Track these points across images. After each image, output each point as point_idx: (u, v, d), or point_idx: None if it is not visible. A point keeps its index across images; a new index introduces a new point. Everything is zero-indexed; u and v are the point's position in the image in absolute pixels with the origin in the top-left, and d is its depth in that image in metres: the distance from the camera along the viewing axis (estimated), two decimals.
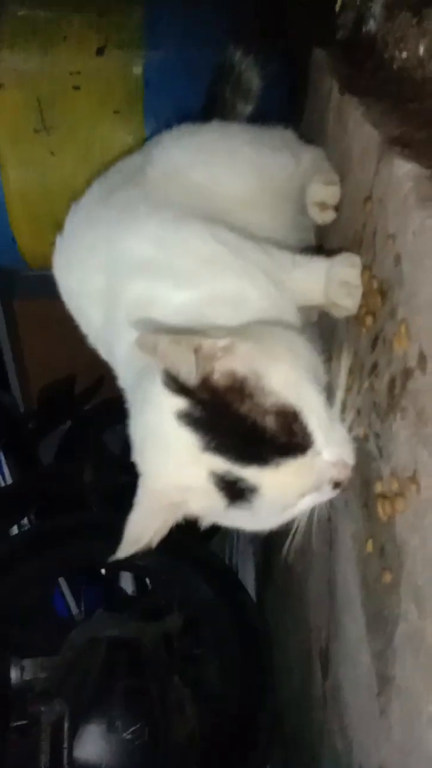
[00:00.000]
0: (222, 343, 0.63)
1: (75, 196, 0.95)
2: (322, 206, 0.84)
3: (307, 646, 1.05)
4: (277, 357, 0.65)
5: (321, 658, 0.96)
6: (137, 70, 1.23)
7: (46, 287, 0.94)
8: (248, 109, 1.12)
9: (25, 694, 1.24)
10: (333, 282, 0.73)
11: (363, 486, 0.68)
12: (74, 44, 1.24)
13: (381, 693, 0.64)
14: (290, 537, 0.69)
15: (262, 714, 1.29)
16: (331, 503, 0.68)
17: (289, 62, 1.27)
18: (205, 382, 0.62)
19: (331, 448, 0.63)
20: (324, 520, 0.71)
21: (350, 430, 0.66)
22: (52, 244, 0.92)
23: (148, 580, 1.71)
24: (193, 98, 1.16)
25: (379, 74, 0.89)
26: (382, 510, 0.61)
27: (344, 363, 0.69)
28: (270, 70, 1.14)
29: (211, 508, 0.65)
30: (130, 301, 0.76)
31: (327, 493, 0.65)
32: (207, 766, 1.24)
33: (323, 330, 0.85)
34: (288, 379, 0.64)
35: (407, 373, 0.55)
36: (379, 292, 0.64)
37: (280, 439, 0.61)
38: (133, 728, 1.15)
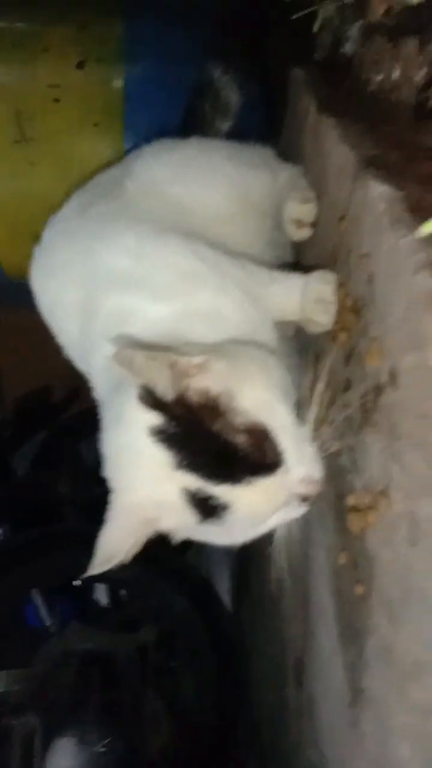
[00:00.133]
0: (196, 360, 0.64)
1: (54, 207, 0.95)
2: (299, 223, 0.85)
3: (283, 657, 1.06)
4: (249, 376, 0.65)
5: (296, 670, 0.96)
6: (118, 83, 1.25)
7: (22, 297, 0.93)
8: (227, 125, 1.14)
9: None
10: (309, 298, 0.74)
11: (337, 499, 0.69)
12: (55, 57, 1.25)
13: (353, 704, 0.65)
14: (273, 559, 0.70)
15: (237, 726, 1.29)
16: (305, 517, 0.69)
17: (268, 80, 1.28)
18: (180, 399, 0.63)
19: (299, 467, 0.64)
20: (299, 532, 0.72)
21: (324, 444, 0.66)
22: (30, 254, 0.91)
23: (123, 592, 1.71)
24: (173, 113, 1.17)
25: (356, 95, 0.91)
26: (354, 523, 0.62)
27: (320, 378, 0.69)
28: (249, 87, 1.16)
29: (183, 524, 0.66)
30: (106, 314, 0.76)
31: (295, 508, 0.66)
32: None
33: (299, 344, 0.86)
34: (259, 398, 0.64)
35: (379, 389, 0.56)
36: (353, 310, 0.66)
37: (251, 457, 0.62)
38: (107, 741, 1.14)
